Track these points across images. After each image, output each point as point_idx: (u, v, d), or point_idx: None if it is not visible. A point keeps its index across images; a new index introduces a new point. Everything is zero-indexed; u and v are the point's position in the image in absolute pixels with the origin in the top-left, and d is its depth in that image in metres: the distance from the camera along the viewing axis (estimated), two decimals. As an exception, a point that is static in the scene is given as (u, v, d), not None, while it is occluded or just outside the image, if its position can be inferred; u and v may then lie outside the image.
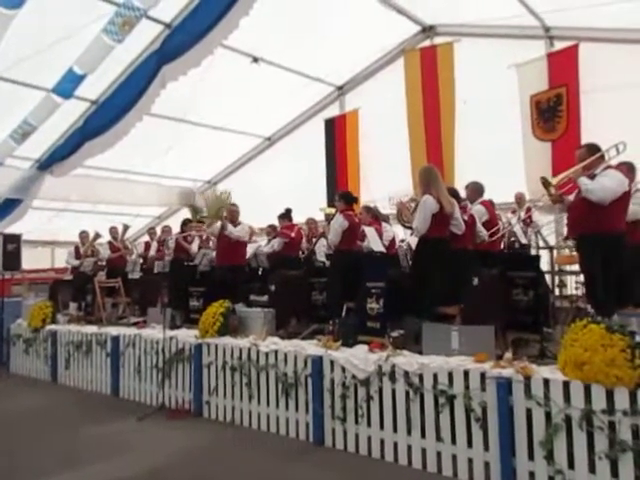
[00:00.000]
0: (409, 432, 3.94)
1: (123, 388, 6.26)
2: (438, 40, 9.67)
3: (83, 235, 9.45)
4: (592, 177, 4.23)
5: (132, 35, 6.90)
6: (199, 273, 7.63)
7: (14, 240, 8.66)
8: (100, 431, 4.95)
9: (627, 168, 4.56)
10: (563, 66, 8.17)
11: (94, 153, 8.74)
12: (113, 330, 6.67)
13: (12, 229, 10.02)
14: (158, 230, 9.78)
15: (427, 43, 9.83)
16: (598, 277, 4.16)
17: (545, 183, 4.43)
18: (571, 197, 4.47)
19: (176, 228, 9.19)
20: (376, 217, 7.08)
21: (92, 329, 6.95)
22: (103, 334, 6.63)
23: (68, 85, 7.47)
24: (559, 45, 8.38)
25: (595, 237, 4.13)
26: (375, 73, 10.74)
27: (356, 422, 4.23)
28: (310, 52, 9.20)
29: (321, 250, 7.12)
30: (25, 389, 6.99)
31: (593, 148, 4.39)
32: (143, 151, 10.23)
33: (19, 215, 10.18)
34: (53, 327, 7.52)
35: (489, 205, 6.04)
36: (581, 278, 5.81)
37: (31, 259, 11.44)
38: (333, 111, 11.44)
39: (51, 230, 12.38)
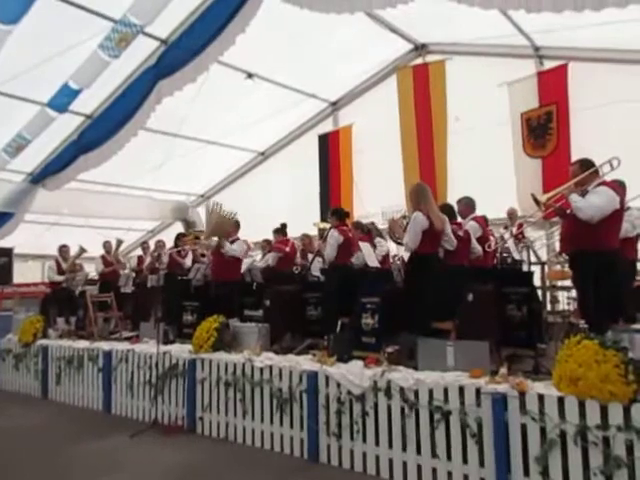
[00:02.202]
0: (404, 448, 3.93)
1: (115, 404, 6.19)
2: (430, 58, 9.83)
3: (64, 249, 9.27)
4: (584, 193, 4.28)
5: (128, 50, 6.98)
6: (193, 288, 7.59)
7: (6, 253, 8.60)
8: (92, 448, 4.89)
9: (618, 185, 4.62)
10: (553, 85, 8.33)
11: (88, 167, 8.75)
12: (105, 345, 6.60)
13: (3, 243, 9.96)
14: (151, 244, 9.74)
15: (419, 61, 9.98)
16: (591, 294, 4.19)
17: (535, 200, 4.48)
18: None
19: (169, 242, 9.18)
20: (368, 232, 7.11)
21: (84, 344, 6.87)
22: (95, 349, 6.57)
23: (63, 99, 7.51)
24: (549, 64, 8.55)
25: (588, 254, 4.15)
26: (368, 89, 10.87)
27: (351, 438, 4.21)
28: (304, 68, 9.33)
29: (316, 265, 7.13)
30: (15, 405, 6.88)
31: (586, 164, 4.40)
32: (136, 165, 10.24)
33: (10, 229, 10.14)
34: (44, 342, 7.42)
35: (482, 221, 6.10)
36: (573, 293, 5.88)
37: (22, 273, 11.37)
38: (327, 127, 11.55)
39: (42, 244, 12.30)
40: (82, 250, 9.14)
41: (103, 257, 9.51)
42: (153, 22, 6.72)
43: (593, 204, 4.11)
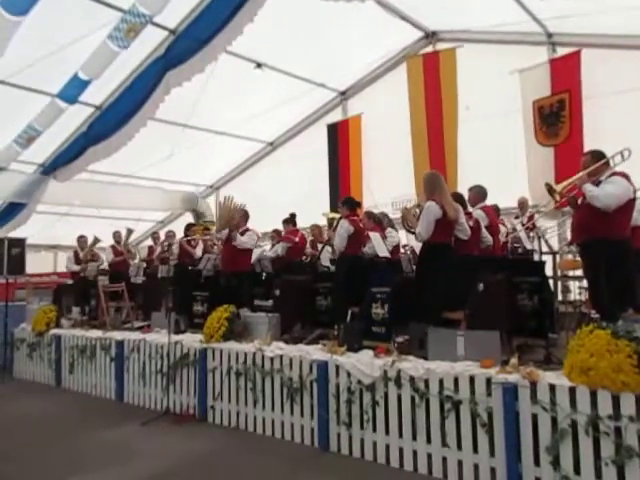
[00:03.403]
0: (415, 437, 3.94)
1: (127, 393, 6.27)
2: (440, 46, 9.70)
3: (82, 240, 9.46)
4: (597, 183, 4.24)
5: (137, 41, 6.95)
6: (203, 278, 7.63)
7: (18, 244, 8.65)
8: (104, 436, 4.96)
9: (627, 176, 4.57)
10: (566, 72, 8.19)
11: (98, 158, 8.78)
12: (117, 335, 6.68)
13: (15, 233, 10.06)
14: (161, 234, 9.79)
15: (429, 49, 9.87)
16: (602, 283, 4.16)
17: (550, 190, 4.45)
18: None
19: (179, 233, 9.21)
20: (379, 222, 7.09)
21: (96, 334, 6.96)
22: (107, 339, 6.65)
23: (73, 91, 7.52)
24: (561, 51, 8.41)
25: (599, 243, 4.13)
26: (378, 78, 10.78)
27: (361, 427, 4.23)
28: (313, 58, 9.26)
29: (325, 255, 7.13)
30: (29, 394, 6.99)
31: (598, 155, 4.39)
32: (146, 156, 10.26)
33: (22, 219, 10.24)
34: (57, 331, 7.53)
35: (490, 210, 6.03)
36: (584, 283, 5.84)
37: (34, 263, 11.47)
38: (336, 116, 11.48)
39: (54, 234, 12.42)
40: (96, 240, 9.29)
41: (113, 247, 9.59)
42: (162, 12, 6.68)
43: (609, 193, 4.10)
